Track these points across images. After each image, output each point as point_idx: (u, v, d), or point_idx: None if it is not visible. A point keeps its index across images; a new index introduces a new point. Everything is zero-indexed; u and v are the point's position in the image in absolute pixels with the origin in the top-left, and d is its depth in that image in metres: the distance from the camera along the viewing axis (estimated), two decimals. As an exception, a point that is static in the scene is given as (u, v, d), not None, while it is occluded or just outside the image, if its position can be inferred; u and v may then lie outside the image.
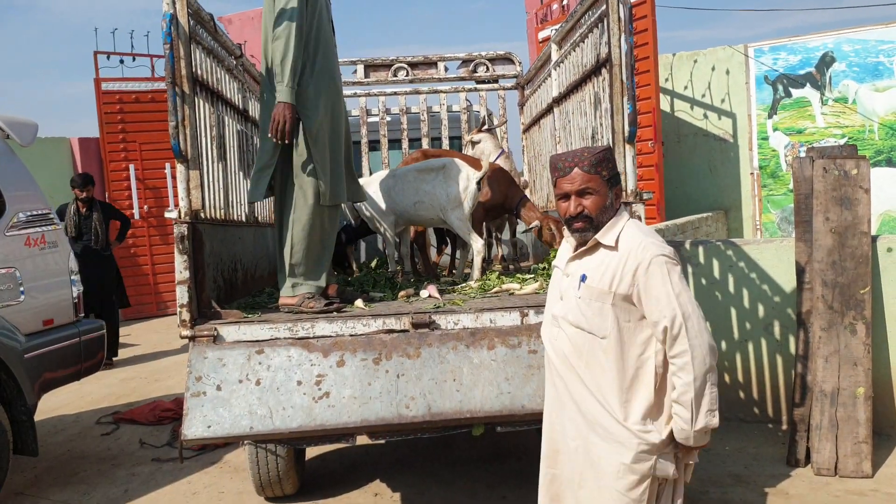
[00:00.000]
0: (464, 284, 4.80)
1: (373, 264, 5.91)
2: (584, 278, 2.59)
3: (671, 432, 2.52)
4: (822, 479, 4.66)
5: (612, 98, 3.94)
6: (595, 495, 2.60)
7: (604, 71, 4.18)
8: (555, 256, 2.95)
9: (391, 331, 3.70)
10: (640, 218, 3.88)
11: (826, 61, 9.24)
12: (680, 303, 2.45)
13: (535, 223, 5.29)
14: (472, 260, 4.96)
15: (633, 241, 2.55)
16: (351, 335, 3.68)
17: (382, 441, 5.12)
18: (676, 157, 10.07)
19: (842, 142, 9.02)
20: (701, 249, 5.82)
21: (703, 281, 5.78)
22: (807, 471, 4.77)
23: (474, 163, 5.26)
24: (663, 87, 10.00)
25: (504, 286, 4.53)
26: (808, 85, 9.37)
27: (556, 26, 7.29)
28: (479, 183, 4.91)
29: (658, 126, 8.74)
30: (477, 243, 4.91)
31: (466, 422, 3.55)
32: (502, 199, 5.44)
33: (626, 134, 3.87)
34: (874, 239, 5.08)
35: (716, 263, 5.74)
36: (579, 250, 2.66)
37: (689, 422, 2.42)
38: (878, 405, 5.01)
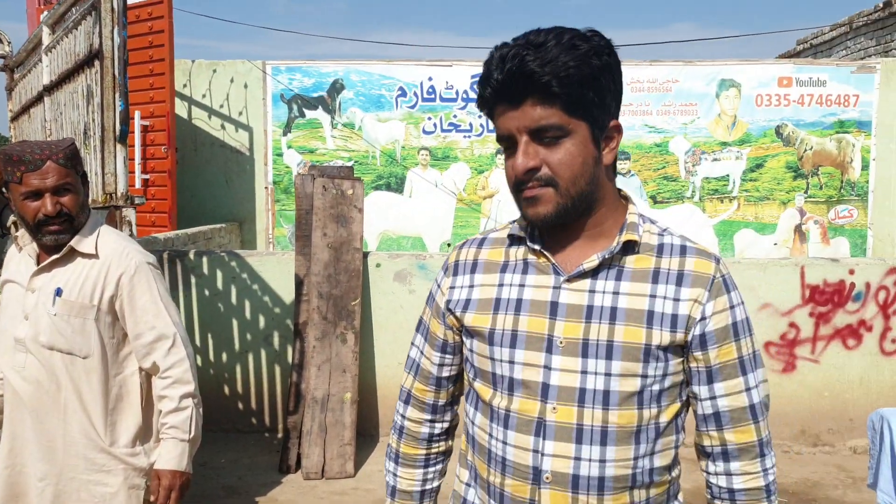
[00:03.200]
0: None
1: None
2: (59, 292, 2.30)
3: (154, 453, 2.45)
4: (311, 482, 4.86)
5: (104, 93, 3.63)
6: None
7: (97, 63, 3.84)
8: None
9: None
10: (131, 223, 3.63)
11: (336, 87, 9.89)
12: (170, 313, 2.38)
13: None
14: None
15: (114, 247, 2.36)
16: None
17: None
18: (193, 166, 9.86)
19: (349, 164, 9.72)
20: (205, 260, 5.72)
21: (207, 292, 5.67)
22: (297, 476, 4.94)
23: None
24: (181, 92, 9.74)
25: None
26: (320, 108, 9.92)
27: (59, 9, 6.59)
28: None
29: (172, 132, 8.45)
30: None
31: None
32: None
33: (118, 133, 3.59)
34: (366, 255, 5.50)
35: (220, 274, 5.68)
36: (49, 260, 2.34)
37: (187, 432, 2.34)
38: (364, 408, 5.42)
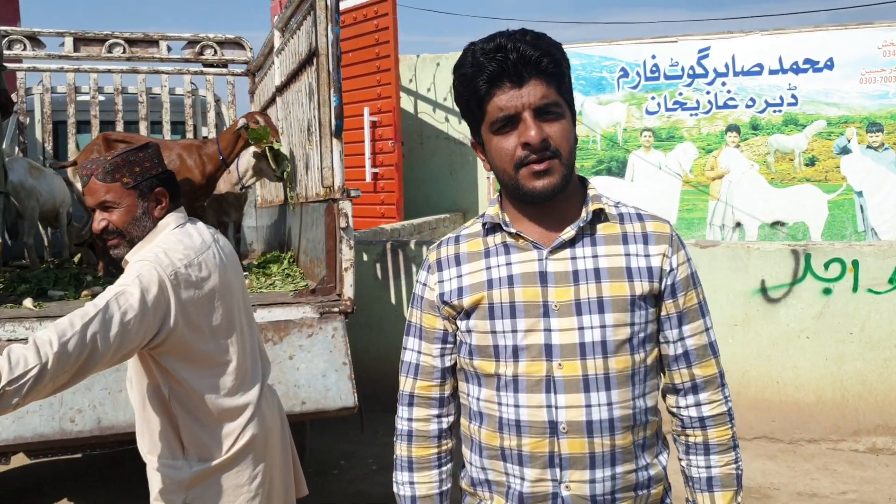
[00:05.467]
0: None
1: (56, 260, 5.33)
2: None
3: (207, 469, 2.26)
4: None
5: (320, 90, 3.78)
6: None
7: (315, 60, 4.01)
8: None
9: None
10: (346, 215, 3.74)
11: (556, 73, 9.77)
12: (119, 286, 2.05)
13: (242, 121, 4.74)
14: None
15: (139, 254, 2.20)
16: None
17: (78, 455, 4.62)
18: (419, 159, 10.18)
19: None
20: (425, 249, 5.85)
21: (427, 280, 5.80)
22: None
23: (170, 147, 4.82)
24: (407, 87, 10.08)
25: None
26: (540, 95, 9.84)
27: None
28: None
29: (398, 126, 8.75)
30: None
31: (144, 435, 3.21)
32: (202, 178, 4.79)
33: (333, 128, 3.72)
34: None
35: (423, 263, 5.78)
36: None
37: (11, 371, 1.74)
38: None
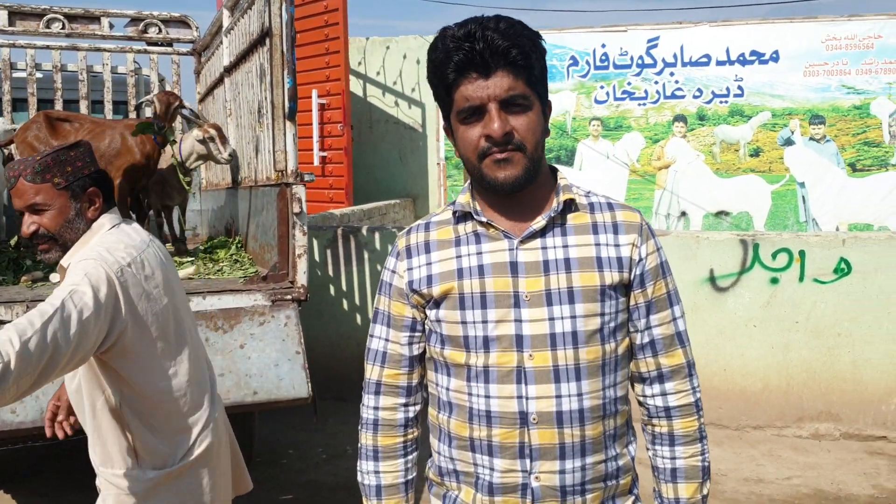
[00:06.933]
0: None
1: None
2: None
3: (163, 476, 2.17)
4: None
5: (272, 71, 3.67)
6: None
7: (268, 41, 3.90)
8: None
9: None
10: (300, 200, 3.65)
11: (507, 60, 9.73)
12: (70, 286, 1.92)
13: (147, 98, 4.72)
14: None
15: (78, 255, 2.08)
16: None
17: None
18: (368, 143, 10.06)
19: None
20: (377, 235, 5.78)
21: (379, 267, 5.73)
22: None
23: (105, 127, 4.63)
24: (356, 70, 9.93)
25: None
26: (490, 81, 9.80)
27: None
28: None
29: (347, 109, 8.62)
30: None
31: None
32: (142, 157, 4.52)
33: (286, 110, 3.62)
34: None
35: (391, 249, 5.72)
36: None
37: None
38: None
